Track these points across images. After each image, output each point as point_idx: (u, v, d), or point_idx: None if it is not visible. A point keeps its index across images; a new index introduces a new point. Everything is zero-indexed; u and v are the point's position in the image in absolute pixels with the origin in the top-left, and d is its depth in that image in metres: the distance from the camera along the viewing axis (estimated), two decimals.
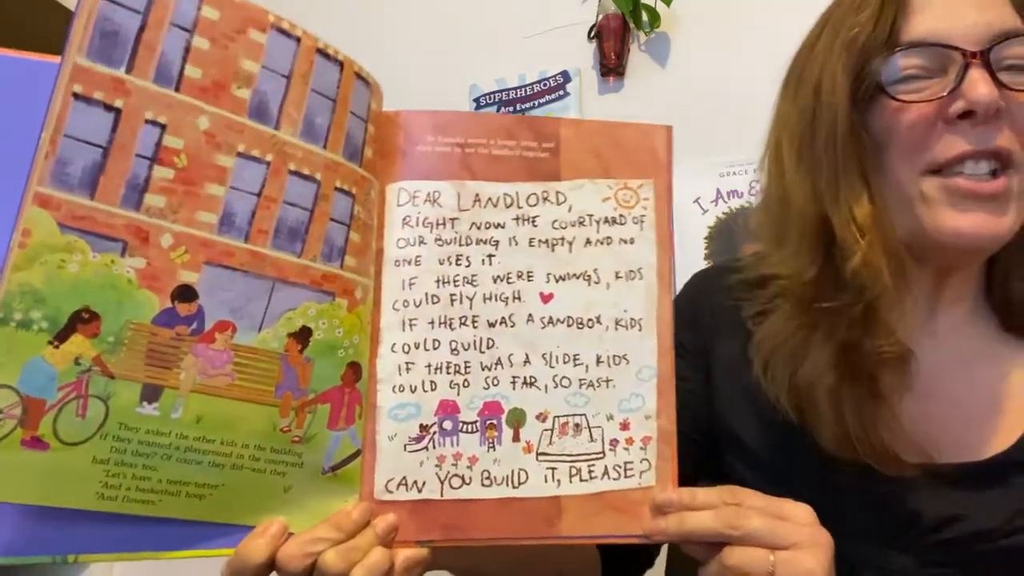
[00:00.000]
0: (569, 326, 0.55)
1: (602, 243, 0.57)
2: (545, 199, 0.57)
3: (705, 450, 0.69)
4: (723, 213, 1.60)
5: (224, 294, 0.44)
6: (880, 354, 0.55)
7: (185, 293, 0.43)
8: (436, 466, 0.53)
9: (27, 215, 0.39)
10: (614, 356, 0.55)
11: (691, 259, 1.61)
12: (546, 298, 0.56)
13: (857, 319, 0.55)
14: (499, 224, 0.56)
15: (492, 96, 1.81)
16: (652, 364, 0.55)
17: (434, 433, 0.53)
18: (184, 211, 0.42)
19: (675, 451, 0.55)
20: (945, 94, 0.51)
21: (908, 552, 0.57)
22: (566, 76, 1.74)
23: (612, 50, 1.67)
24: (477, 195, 0.56)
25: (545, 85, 1.76)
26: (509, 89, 1.78)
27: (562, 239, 0.57)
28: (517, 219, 0.56)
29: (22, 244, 0.39)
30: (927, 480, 0.55)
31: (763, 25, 1.59)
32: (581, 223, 0.57)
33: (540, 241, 0.56)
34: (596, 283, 0.56)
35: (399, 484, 0.52)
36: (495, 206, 0.56)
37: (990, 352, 0.59)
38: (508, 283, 0.55)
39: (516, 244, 0.56)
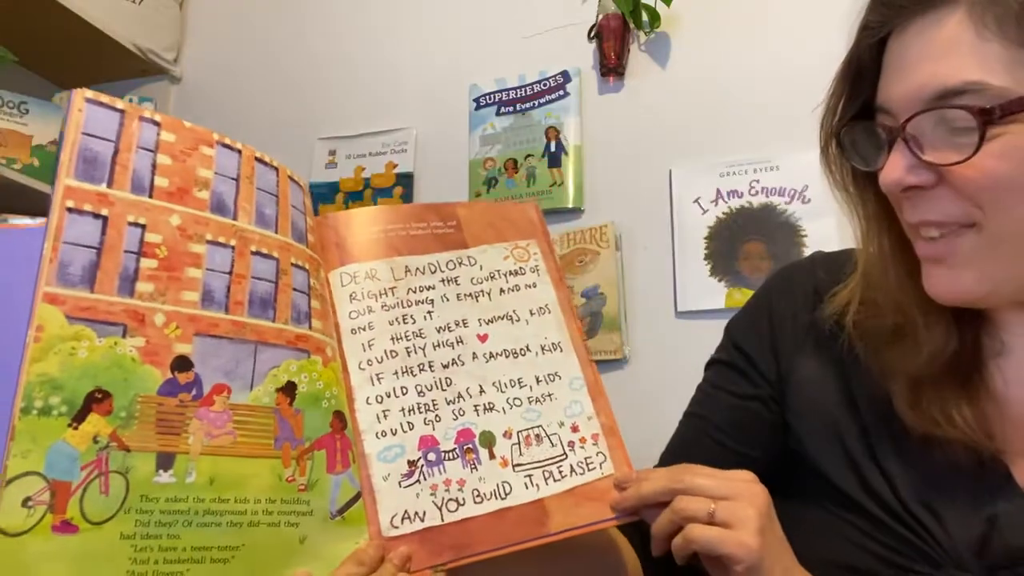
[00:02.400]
0: (507, 357, 0.64)
1: (512, 290, 0.67)
2: (460, 263, 0.68)
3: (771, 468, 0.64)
4: (723, 213, 1.57)
5: (216, 360, 0.50)
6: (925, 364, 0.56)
7: (182, 363, 0.49)
8: (431, 495, 0.58)
9: (39, 313, 0.45)
10: (548, 374, 0.64)
11: (691, 259, 1.59)
12: (483, 338, 0.65)
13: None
14: (430, 287, 0.66)
15: (492, 96, 1.80)
16: (579, 375, 0.65)
17: (422, 466, 0.58)
18: (171, 293, 0.50)
19: (621, 440, 0.63)
20: (878, 169, 0.51)
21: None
22: (566, 76, 1.74)
23: (612, 50, 1.67)
24: (407, 267, 0.66)
25: (545, 85, 1.76)
26: (509, 89, 1.78)
27: (482, 291, 0.67)
28: (444, 280, 0.66)
29: (37, 338, 0.45)
30: None
31: (763, 25, 1.63)
32: (492, 277, 0.68)
33: (466, 295, 0.66)
34: (517, 320, 0.66)
35: (403, 518, 0.56)
36: (423, 273, 0.66)
37: None
38: (449, 331, 0.64)
39: (447, 300, 0.66)
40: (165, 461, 0.48)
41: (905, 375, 0.57)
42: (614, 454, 0.62)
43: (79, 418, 0.45)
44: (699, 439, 0.69)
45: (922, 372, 0.56)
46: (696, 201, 1.61)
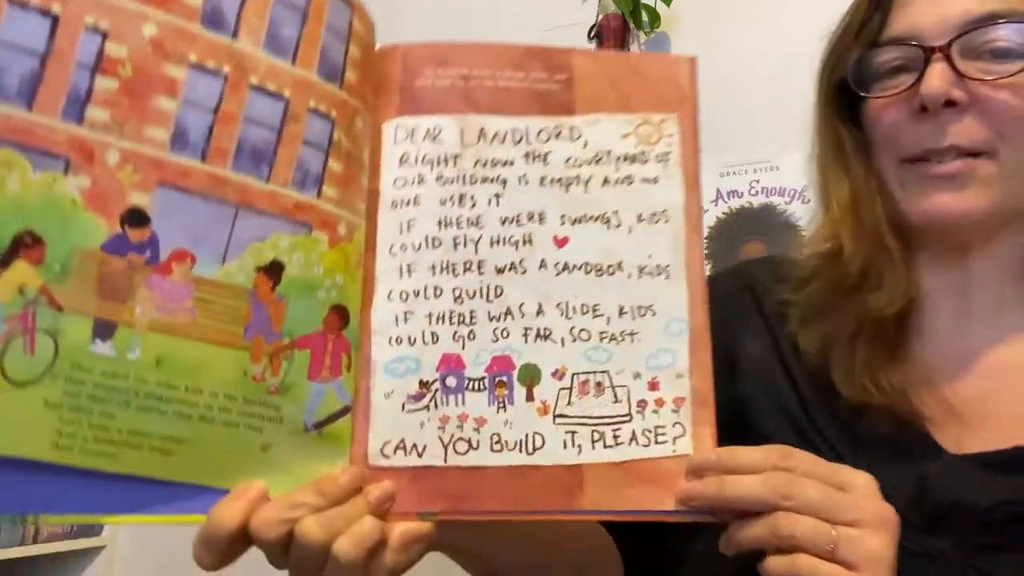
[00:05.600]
0: (587, 273, 0.49)
1: (622, 182, 0.50)
2: (558, 135, 0.51)
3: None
4: (723, 213, 1.57)
5: (180, 219, 0.40)
6: (879, 312, 0.58)
7: (136, 217, 0.39)
8: (439, 428, 0.46)
9: None
10: (639, 307, 0.48)
11: None
12: (560, 242, 0.49)
13: (853, 287, 0.59)
14: (507, 161, 0.50)
15: None
16: (682, 316, 0.48)
17: (436, 391, 0.47)
18: (131, 126, 0.39)
19: (713, 415, 0.47)
20: (905, 89, 0.53)
21: (947, 535, 0.52)
22: None
23: (612, 50, 1.61)
24: (482, 130, 0.51)
25: None
26: None
27: (577, 178, 0.50)
28: (527, 156, 0.51)
29: None
30: (973, 464, 0.53)
31: (763, 25, 1.60)
32: (598, 161, 0.50)
33: (553, 180, 0.50)
34: (616, 226, 0.49)
35: (396, 447, 0.46)
36: (502, 142, 0.51)
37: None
38: (518, 225, 0.49)
39: (526, 183, 0.50)
40: (104, 329, 0.40)
41: (847, 339, 0.58)
42: (698, 430, 0.47)
43: (3, 262, 0.38)
44: None
45: (868, 328, 0.58)
46: None
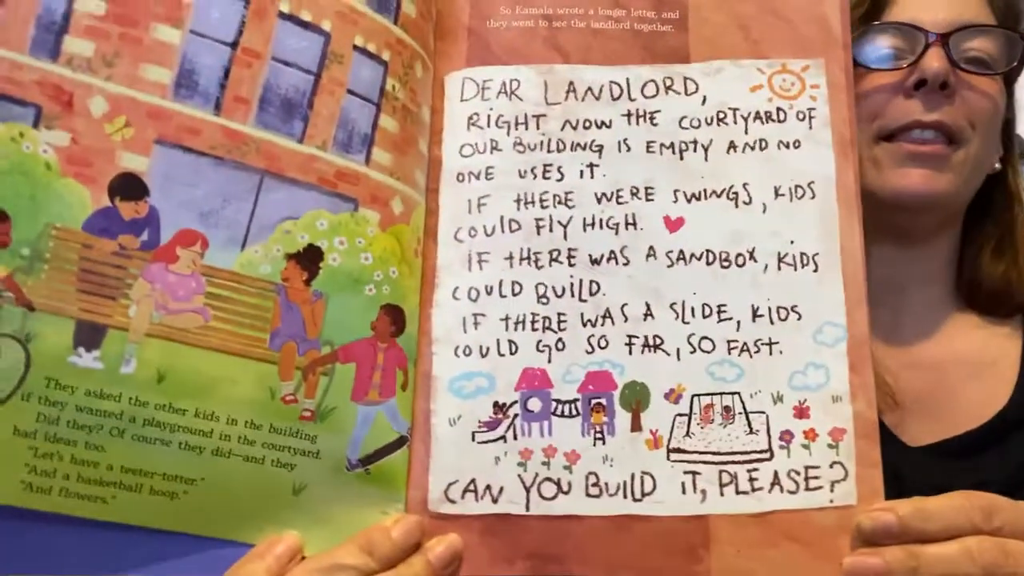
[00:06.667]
0: (709, 264, 0.38)
1: (753, 148, 0.39)
2: (669, 88, 0.40)
3: None
4: None
5: (188, 190, 0.30)
6: None
7: (130, 185, 0.30)
8: (519, 465, 0.36)
9: None
10: (778, 307, 0.37)
11: None
12: (674, 224, 0.39)
13: None
14: (603, 122, 0.40)
15: None
16: (838, 320, 0.37)
17: (515, 416, 0.36)
18: (123, 63, 0.29)
19: (877, 447, 0.35)
20: (904, 67, 0.56)
21: None
22: None
23: None
24: (571, 84, 0.40)
25: None
26: None
27: (695, 143, 0.40)
28: (629, 115, 0.40)
29: None
30: (935, 454, 0.55)
31: None
32: (722, 121, 0.40)
33: (663, 145, 0.40)
34: (746, 203, 0.39)
35: (465, 490, 0.36)
36: (597, 98, 0.40)
37: (964, 327, 0.62)
38: (619, 203, 0.39)
39: (629, 150, 0.40)
40: (88, 335, 0.30)
41: None
42: (864, 472, 0.35)
43: None
44: None
45: None
46: None
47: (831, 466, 0.36)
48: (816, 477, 0.35)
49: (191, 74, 0.30)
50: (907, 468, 0.51)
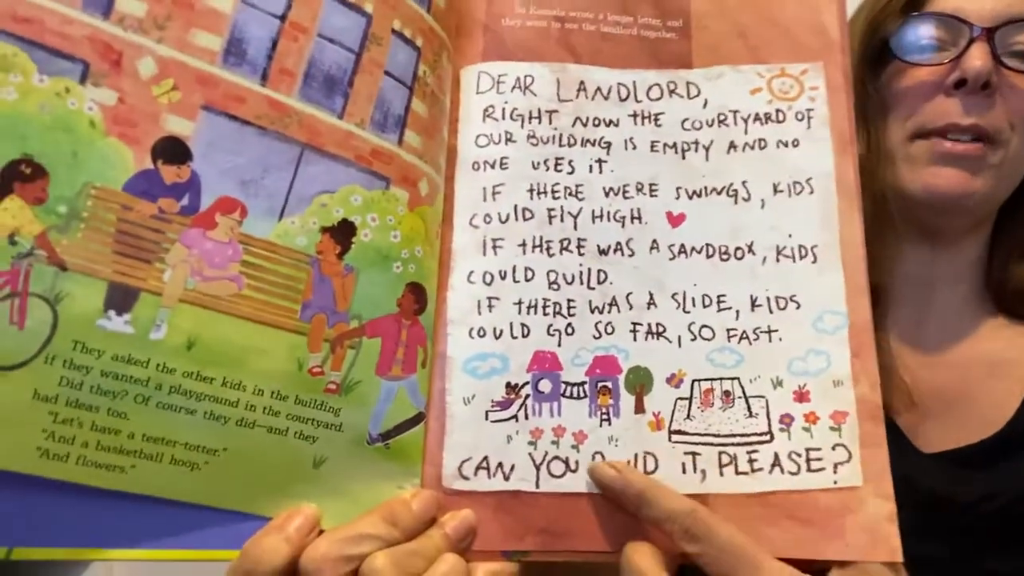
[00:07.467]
0: (708, 256, 0.40)
1: (752, 147, 0.42)
2: (672, 91, 0.43)
3: None
4: None
5: (230, 157, 0.31)
6: None
7: (173, 149, 0.30)
8: (530, 444, 0.37)
9: None
10: (777, 298, 0.40)
11: None
12: (676, 219, 0.41)
13: None
14: (611, 121, 0.42)
15: None
16: (838, 308, 0.39)
17: (526, 396, 0.37)
18: (174, 27, 0.29)
19: (882, 431, 0.38)
20: (946, 63, 0.53)
21: (938, 538, 0.53)
22: None
23: None
24: (582, 83, 0.42)
25: None
26: None
27: (696, 143, 0.42)
28: (635, 116, 0.42)
29: None
30: (949, 462, 0.54)
31: None
32: (722, 122, 0.42)
33: (666, 145, 0.42)
34: (745, 199, 0.41)
35: (478, 467, 0.36)
36: (606, 98, 0.42)
37: (989, 328, 0.60)
38: (625, 197, 0.41)
39: (634, 148, 0.42)
40: (121, 298, 0.30)
41: None
42: (868, 454, 0.37)
43: None
44: None
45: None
46: None
47: (833, 448, 0.37)
48: (818, 459, 0.37)
49: (240, 43, 0.30)
50: (919, 475, 0.52)
